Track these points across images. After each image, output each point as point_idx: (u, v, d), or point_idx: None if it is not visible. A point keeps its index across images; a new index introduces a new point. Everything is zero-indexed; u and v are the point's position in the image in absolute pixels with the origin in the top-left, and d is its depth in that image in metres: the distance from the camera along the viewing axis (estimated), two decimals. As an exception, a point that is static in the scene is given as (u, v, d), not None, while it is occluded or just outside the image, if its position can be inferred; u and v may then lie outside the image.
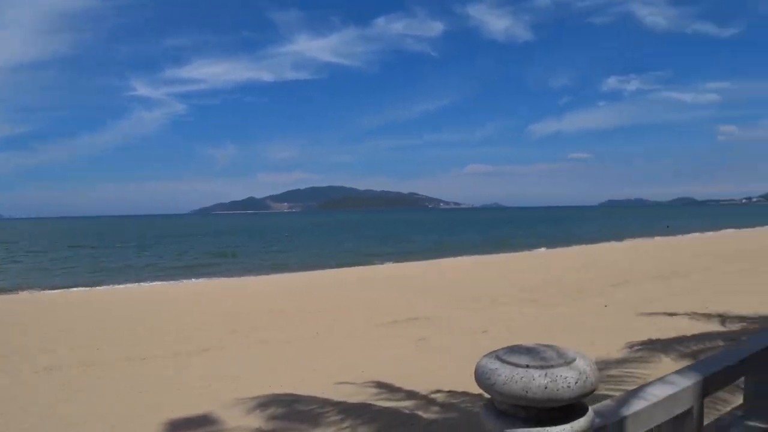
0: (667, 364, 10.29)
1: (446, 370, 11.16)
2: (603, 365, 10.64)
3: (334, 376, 11.35)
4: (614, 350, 11.87)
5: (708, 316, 14.81)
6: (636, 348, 11.88)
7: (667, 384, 3.59)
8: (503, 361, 2.50)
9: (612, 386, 9.29)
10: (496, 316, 17.20)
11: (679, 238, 65.10)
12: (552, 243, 60.40)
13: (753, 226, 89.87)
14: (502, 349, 2.61)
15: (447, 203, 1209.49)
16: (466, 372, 9.99)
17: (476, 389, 2.86)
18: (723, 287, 20.28)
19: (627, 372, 9.94)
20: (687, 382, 3.63)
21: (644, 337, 12.79)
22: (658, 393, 3.41)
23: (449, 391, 9.87)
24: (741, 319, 13.88)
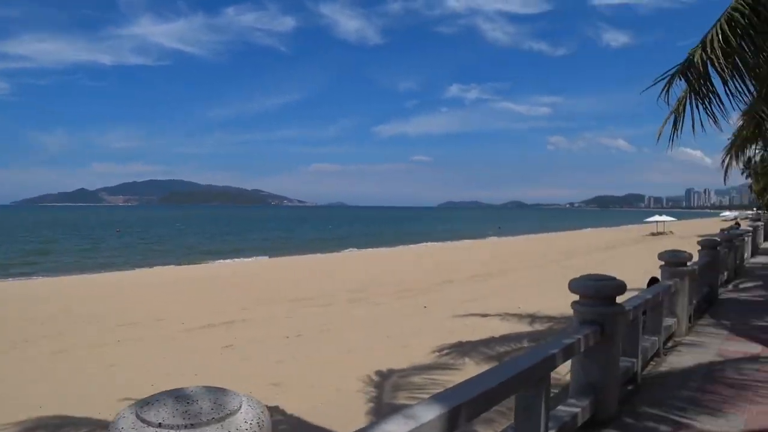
0: (470, 368, 10.13)
1: (246, 382, 10.28)
2: (409, 372, 10.29)
3: (120, 392, 10.02)
4: (424, 354, 11.63)
5: (519, 317, 15.11)
6: (445, 351, 11.71)
7: (407, 419, 2.96)
8: (138, 417, 1.74)
9: (414, 393, 8.91)
10: (314, 318, 16.56)
11: (509, 239, 68.82)
12: (389, 242, 61.42)
13: (574, 228, 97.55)
14: (150, 396, 1.85)
15: (291, 201, 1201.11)
16: (265, 381, 8.89)
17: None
18: (538, 287, 21.16)
19: (430, 379, 9.63)
20: (430, 415, 3.03)
21: (455, 340, 12.70)
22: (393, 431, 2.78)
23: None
24: (549, 319, 14.25)
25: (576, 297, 5.52)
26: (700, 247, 12.75)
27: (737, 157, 19.99)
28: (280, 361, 11.81)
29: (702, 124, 11.47)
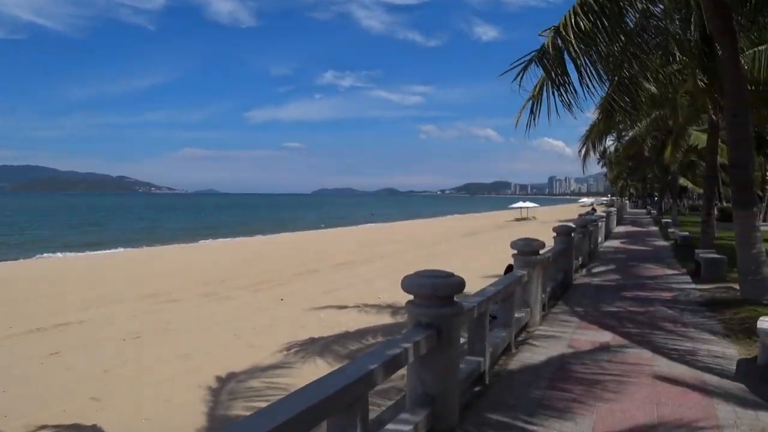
0: (321, 368, 9.34)
1: (64, 396, 8.91)
2: (249, 375, 9.35)
3: None
4: (271, 353, 10.72)
5: (379, 308, 14.56)
6: (294, 349, 10.85)
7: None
8: None
9: (252, 402, 7.98)
10: (160, 316, 15.11)
11: (381, 225, 68.98)
12: (261, 230, 59.63)
13: (445, 215, 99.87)
14: None
15: (160, 188, 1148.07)
16: (85, 394, 7.52)
17: None
18: (403, 274, 20.72)
19: (271, 383, 8.74)
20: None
21: (307, 336, 11.88)
22: None
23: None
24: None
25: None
26: (555, 234, 12.70)
27: (594, 147, 20.58)
28: (108, 370, 10.41)
29: (558, 112, 11.37)
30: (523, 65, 10.98)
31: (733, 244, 10.76)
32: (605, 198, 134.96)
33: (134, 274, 24.86)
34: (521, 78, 10.95)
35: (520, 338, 7.97)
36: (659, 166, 41.18)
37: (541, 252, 8.79)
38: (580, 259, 15.21)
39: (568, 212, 76.83)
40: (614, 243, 24.07)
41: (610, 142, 56.65)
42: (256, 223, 77.90)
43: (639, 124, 29.99)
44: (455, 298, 4.86)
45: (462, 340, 5.73)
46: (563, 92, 11.32)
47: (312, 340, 11.45)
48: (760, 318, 7.03)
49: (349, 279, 20.91)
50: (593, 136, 19.31)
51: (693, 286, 12.65)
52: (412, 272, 4.81)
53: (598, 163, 69.69)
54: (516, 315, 7.78)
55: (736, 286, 11.34)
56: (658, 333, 8.31)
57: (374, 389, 3.80)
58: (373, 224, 71.80)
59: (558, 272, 11.90)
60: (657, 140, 37.91)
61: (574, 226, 13.80)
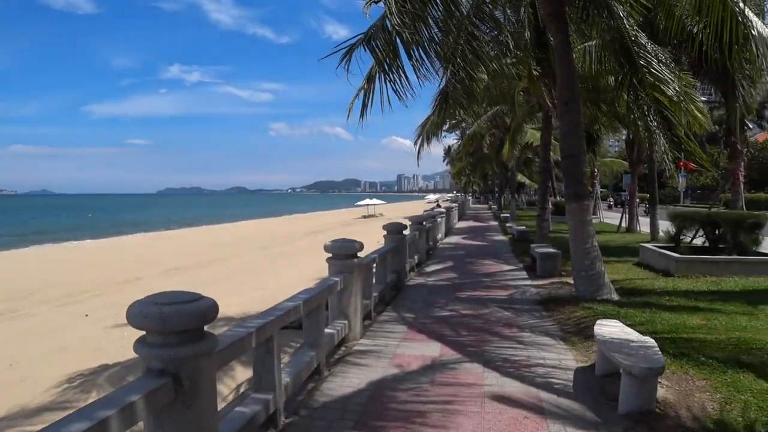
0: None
1: None
2: (9, 423, 7.34)
3: None
4: (46, 388, 8.67)
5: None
6: (79, 381, 8.88)
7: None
8: None
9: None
10: None
11: (226, 225, 65.75)
12: (98, 234, 54.54)
13: (293, 213, 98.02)
14: None
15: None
16: None
17: None
18: (233, 280, 19.05)
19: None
20: None
21: (100, 362, 9.89)
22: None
23: None
24: (228, 321, 12.10)
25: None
26: (385, 232, 11.67)
27: (428, 139, 19.91)
28: None
29: (390, 102, 10.28)
30: (347, 48, 9.80)
31: (567, 238, 10.30)
32: (450, 194, 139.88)
33: None
34: (347, 64, 9.74)
35: (335, 357, 6.72)
36: (498, 162, 42.37)
37: (359, 255, 7.57)
38: (416, 257, 14.37)
39: (414, 209, 77.92)
40: (455, 239, 23.83)
41: (454, 140, 58.17)
42: (91, 227, 71.39)
43: (478, 121, 30.30)
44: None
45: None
46: (396, 80, 10.27)
47: (104, 368, 9.49)
48: (598, 322, 6.29)
49: (175, 287, 18.76)
50: (429, 129, 18.70)
51: (529, 282, 12.17)
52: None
53: (444, 160, 71.53)
54: (329, 330, 6.51)
55: (571, 281, 10.94)
56: (492, 340, 7.42)
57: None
58: (218, 225, 68.38)
59: (388, 274, 10.85)
60: (495, 137, 38.87)
61: (409, 223, 12.89)
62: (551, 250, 13.44)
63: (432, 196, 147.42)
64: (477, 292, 11.07)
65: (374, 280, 9.63)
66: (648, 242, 20.86)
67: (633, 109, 11.59)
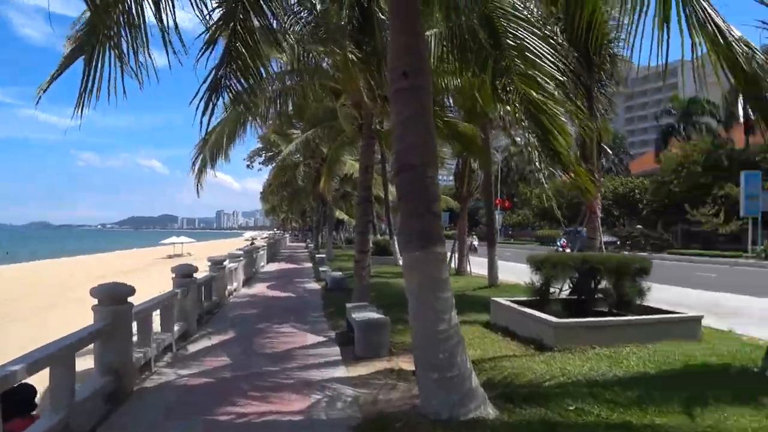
0: None
1: None
2: None
3: None
4: None
5: None
6: None
7: None
8: None
9: None
10: None
11: (14, 266, 54.74)
12: None
13: (98, 251, 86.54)
14: None
15: None
16: None
17: None
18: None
19: None
20: None
21: None
22: None
23: None
24: None
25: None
26: (96, 301, 6.61)
27: (212, 159, 14.69)
28: None
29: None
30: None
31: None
32: (270, 232, 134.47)
33: None
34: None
35: None
36: (316, 196, 38.39)
37: None
38: (176, 328, 9.39)
39: (228, 246, 71.59)
40: (257, 288, 18.99)
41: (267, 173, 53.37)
42: None
43: (289, 147, 26.22)
44: None
45: None
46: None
47: None
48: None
49: None
50: (213, 144, 13.59)
51: (343, 371, 7.72)
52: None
53: (261, 197, 66.41)
54: None
55: (407, 366, 7.12)
56: None
57: None
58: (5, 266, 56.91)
59: (101, 376, 5.88)
60: (312, 168, 34.95)
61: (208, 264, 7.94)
62: (375, 315, 9.13)
63: (250, 234, 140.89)
64: (253, 406, 6.34)
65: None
66: (486, 287, 17.66)
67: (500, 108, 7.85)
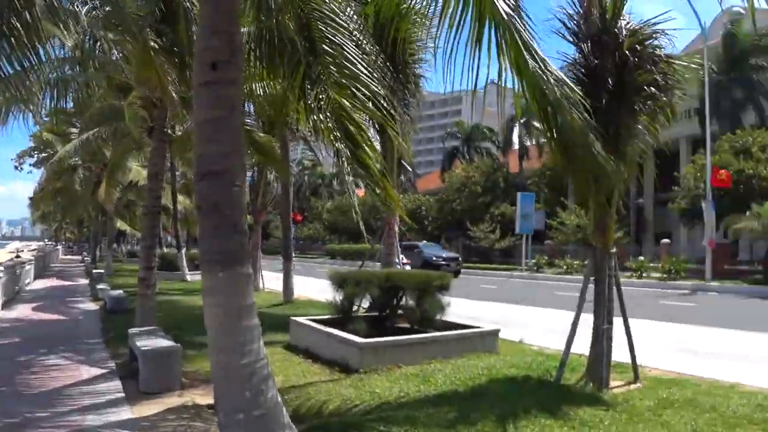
0: None
1: None
2: None
3: None
4: None
5: None
6: None
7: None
8: None
9: None
10: None
11: None
12: None
13: None
14: None
15: None
16: None
17: None
18: None
19: None
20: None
21: None
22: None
23: None
24: None
25: None
26: None
27: None
28: None
29: None
30: None
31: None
32: (39, 243, 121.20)
33: None
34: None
35: None
36: (95, 205, 34.97)
37: None
38: None
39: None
40: (20, 310, 16.43)
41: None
42: None
43: (67, 147, 23.55)
44: None
45: None
46: None
47: None
48: None
49: None
50: None
51: (129, 414, 6.53)
52: None
53: (30, 203, 59.39)
54: None
55: (203, 400, 6.53)
56: None
57: None
58: None
59: None
60: (92, 172, 31.82)
61: None
62: (163, 343, 8.04)
63: (15, 245, 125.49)
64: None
65: None
66: (281, 304, 17.03)
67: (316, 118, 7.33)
